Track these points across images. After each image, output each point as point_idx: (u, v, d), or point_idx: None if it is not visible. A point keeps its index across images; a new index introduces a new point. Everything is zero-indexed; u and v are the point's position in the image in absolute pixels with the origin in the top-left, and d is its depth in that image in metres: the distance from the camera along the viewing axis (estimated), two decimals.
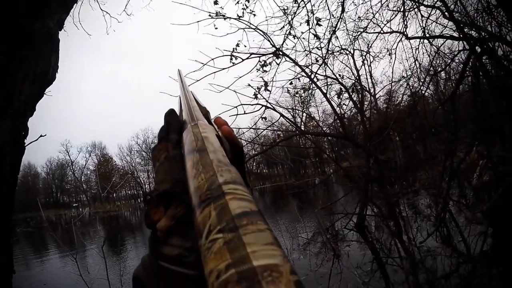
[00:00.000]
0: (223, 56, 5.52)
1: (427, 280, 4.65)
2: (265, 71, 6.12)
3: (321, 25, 6.48)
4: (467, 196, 8.34)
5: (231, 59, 5.63)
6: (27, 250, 16.62)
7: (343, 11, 6.93)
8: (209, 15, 5.65)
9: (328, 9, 6.84)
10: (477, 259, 4.95)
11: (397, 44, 7.64)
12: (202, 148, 0.40)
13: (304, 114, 8.04)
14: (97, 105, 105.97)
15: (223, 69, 5.50)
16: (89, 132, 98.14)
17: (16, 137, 1.91)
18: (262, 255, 0.25)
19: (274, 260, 0.25)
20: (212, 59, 5.29)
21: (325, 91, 6.63)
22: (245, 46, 5.85)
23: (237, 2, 6.00)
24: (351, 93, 7.51)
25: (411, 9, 6.93)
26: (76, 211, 54.06)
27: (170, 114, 0.55)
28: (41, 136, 4.13)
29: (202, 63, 5.23)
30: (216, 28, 5.84)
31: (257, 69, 6.06)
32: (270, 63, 6.18)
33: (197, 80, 5.19)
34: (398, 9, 7.05)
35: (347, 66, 8.09)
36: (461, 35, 6.06)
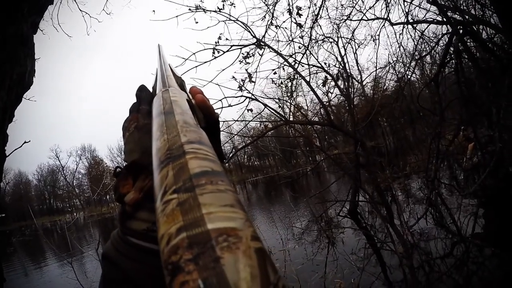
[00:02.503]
0: (204, 50, 5.48)
1: (421, 263, 4.70)
2: (248, 63, 6.09)
3: (302, 15, 6.45)
4: (457, 178, 8.43)
5: (213, 52, 5.59)
6: (24, 259, 16.49)
7: None
8: (189, 9, 5.60)
9: None
10: (469, 240, 5.00)
11: (380, 30, 7.65)
12: (169, 110, 0.38)
13: (292, 104, 8.01)
14: (84, 108, 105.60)
15: (205, 62, 5.46)
16: (78, 136, 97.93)
17: None
18: (219, 217, 0.22)
19: (232, 223, 0.22)
20: (194, 54, 5.26)
21: (309, 80, 6.61)
22: (227, 39, 5.82)
23: None
24: (336, 81, 7.51)
25: None
26: (70, 216, 53.68)
27: (141, 90, 0.54)
28: (25, 142, 4.09)
29: (184, 58, 5.20)
30: (197, 23, 5.80)
31: (239, 61, 6.03)
32: (253, 55, 6.15)
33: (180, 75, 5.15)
34: None
35: (332, 54, 8.09)
36: (444, 19, 6.07)
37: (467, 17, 6.23)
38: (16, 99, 2.06)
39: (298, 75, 6.64)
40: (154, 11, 5.87)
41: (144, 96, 0.53)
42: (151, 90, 0.57)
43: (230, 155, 7.94)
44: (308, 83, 6.29)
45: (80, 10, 6.58)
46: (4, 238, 30.05)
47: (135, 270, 0.40)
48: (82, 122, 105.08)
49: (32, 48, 2.13)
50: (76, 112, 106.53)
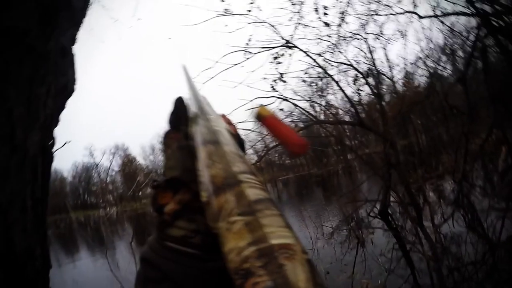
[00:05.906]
0: (234, 52, 5.57)
1: (450, 267, 4.59)
2: (279, 62, 6.13)
3: (328, 14, 6.39)
4: (492, 179, 8.12)
5: (245, 54, 5.67)
6: (59, 252, 16.96)
7: None
8: (218, 15, 5.69)
9: None
10: (502, 245, 4.82)
11: (409, 25, 7.45)
12: (216, 140, 0.45)
13: (323, 103, 7.98)
14: (118, 107, 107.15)
15: (236, 64, 5.57)
16: (112, 135, 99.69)
17: (45, 147, 2.01)
18: (278, 235, 0.31)
19: (288, 240, 0.30)
20: (224, 56, 5.37)
21: (339, 79, 6.57)
22: (257, 41, 5.88)
23: None
24: (366, 78, 7.41)
25: None
26: (103, 211, 54.88)
27: (180, 101, 0.61)
28: (66, 143, 4.29)
29: (215, 61, 5.31)
30: (226, 26, 5.90)
31: (270, 62, 6.08)
32: (282, 55, 6.19)
33: (211, 77, 5.29)
34: None
35: (361, 51, 7.96)
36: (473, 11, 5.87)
37: (496, 7, 5.96)
38: (61, 106, 2.20)
39: (327, 75, 6.62)
40: (170, 38, 6.03)
41: (182, 110, 0.60)
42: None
43: (262, 154, 8.06)
44: (337, 82, 6.26)
45: (111, 18, 6.72)
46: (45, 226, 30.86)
47: (173, 270, 0.47)
48: (115, 121, 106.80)
49: (72, 59, 2.26)
50: (109, 112, 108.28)
